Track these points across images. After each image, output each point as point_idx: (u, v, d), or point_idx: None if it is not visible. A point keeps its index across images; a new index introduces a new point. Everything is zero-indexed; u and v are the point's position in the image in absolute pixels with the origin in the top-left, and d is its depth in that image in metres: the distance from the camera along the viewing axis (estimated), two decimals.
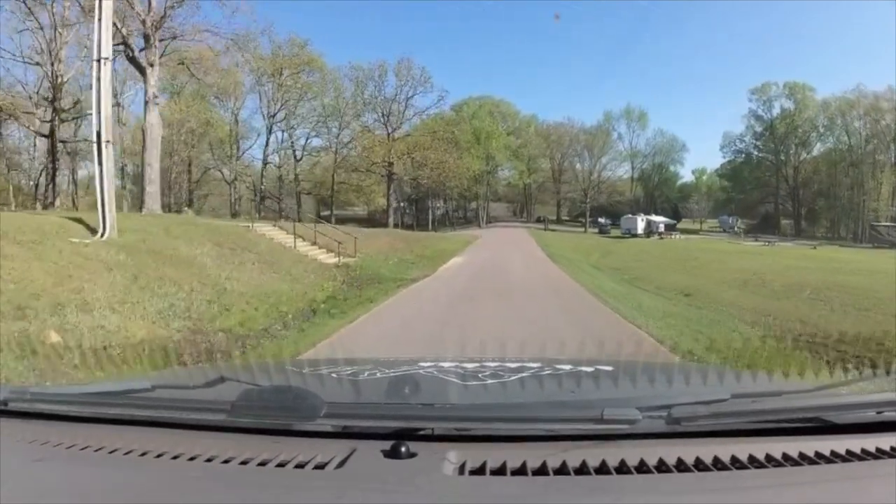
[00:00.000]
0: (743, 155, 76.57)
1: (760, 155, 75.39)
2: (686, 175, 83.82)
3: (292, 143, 44.93)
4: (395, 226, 70.13)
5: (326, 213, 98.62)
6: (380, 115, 41.97)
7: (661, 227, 56.29)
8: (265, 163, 38.74)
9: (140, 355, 5.50)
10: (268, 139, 38.33)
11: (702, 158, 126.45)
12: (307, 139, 45.79)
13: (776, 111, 71.42)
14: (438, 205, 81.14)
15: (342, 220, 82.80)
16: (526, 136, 74.05)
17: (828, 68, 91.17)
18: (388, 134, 40.02)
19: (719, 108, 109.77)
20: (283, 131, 42.86)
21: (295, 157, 47.06)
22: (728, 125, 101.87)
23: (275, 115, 37.61)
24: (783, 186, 72.97)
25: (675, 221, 61.06)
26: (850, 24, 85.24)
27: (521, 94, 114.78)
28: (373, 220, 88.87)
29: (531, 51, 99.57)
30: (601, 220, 70.90)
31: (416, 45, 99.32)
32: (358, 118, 39.03)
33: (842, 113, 66.40)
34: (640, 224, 53.36)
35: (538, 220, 78.93)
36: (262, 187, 39.62)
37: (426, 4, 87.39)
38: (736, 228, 71.58)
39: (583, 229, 64.95)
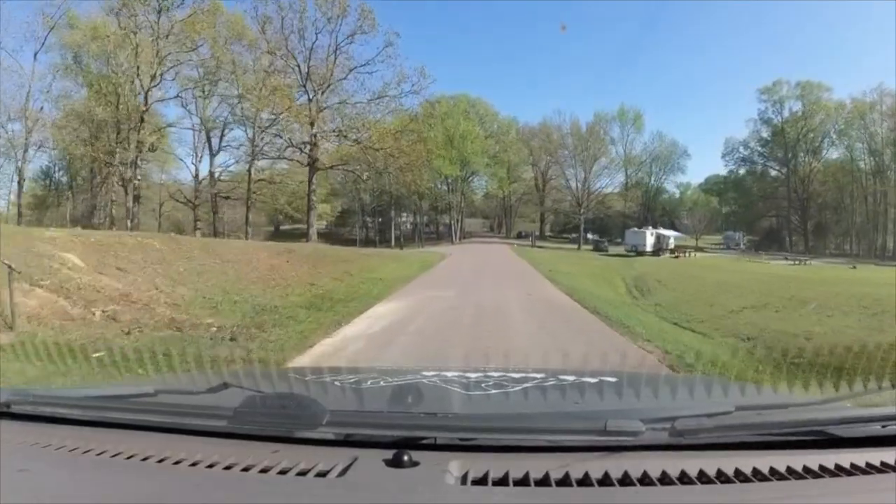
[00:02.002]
0: (747, 164, 66.52)
1: (767, 163, 65.51)
2: (671, 189, 73.70)
3: (206, 128, 32.08)
4: (354, 242, 57.73)
5: (287, 227, 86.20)
6: (297, 71, 26.48)
7: (672, 243, 45.03)
8: (139, 149, 25.76)
9: None
10: (143, 115, 25.38)
11: (703, 169, 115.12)
12: (224, 124, 32.96)
13: (787, 113, 61.48)
14: (406, 218, 68.99)
15: (298, 236, 70.35)
16: (506, 140, 62.70)
17: (842, 71, 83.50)
18: (310, 99, 25.30)
19: (722, 116, 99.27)
20: (183, 106, 29.88)
21: (210, 149, 34.17)
22: (732, 132, 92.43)
23: (155, 74, 24.68)
24: (791, 198, 63.15)
25: (683, 235, 49.71)
26: (865, 23, 77.16)
27: (510, 103, 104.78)
28: (330, 235, 76.15)
29: (522, 56, 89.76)
30: (591, 235, 60.08)
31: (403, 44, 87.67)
32: (271, 78, 24.80)
33: (861, 115, 56.76)
34: (650, 239, 41.78)
35: (518, 236, 67.46)
36: (137, 182, 26.62)
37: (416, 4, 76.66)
38: (742, 245, 61.32)
39: (575, 246, 53.29)
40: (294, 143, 23.04)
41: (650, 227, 44.00)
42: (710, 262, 36.17)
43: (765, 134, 64.26)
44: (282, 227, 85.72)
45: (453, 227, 57.12)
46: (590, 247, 50.57)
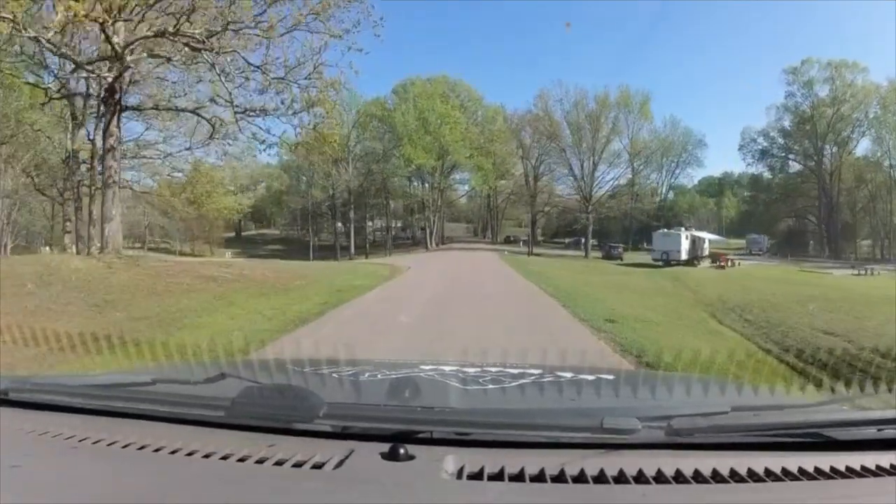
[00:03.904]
0: (766, 157, 55.86)
1: (789, 156, 55.08)
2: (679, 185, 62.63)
3: (59, 79, 20.09)
4: (327, 248, 45.83)
5: (252, 231, 73.36)
6: None
7: (706, 248, 33.91)
8: None
9: None
10: None
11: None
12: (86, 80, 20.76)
13: (814, 98, 51.02)
14: (379, 223, 57.23)
15: (262, 242, 57.85)
16: (492, 129, 51.36)
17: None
18: None
19: (722, 117, 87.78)
20: None
21: (73, 112, 22.32)
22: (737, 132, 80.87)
23: None
24: (817, 195, 52.95)
25: (720, 238, 38.32)
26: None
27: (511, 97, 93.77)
28: (290, 241, 63.89)
29: (523, 57, 79.09)
30: (583, 240, 49.33)
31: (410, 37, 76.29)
32: None
33: None
34: (685, 244, 30.51)
35: (507, 241, 56.03)
36: None
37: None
38: (765, 249, 50.75)
39: (577, 252, 42.09)
40: (78, 62, 11.02)
41: (682, 228, 32.65)
42: (777, 275, 25.25)
43: (787, 123, 53.80)
44: (243, 233, 73.59)
45: (428, 231, 45.41)
46: (598, 254, 39.26)
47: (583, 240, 53.09)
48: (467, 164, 48.47)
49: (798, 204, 54.90)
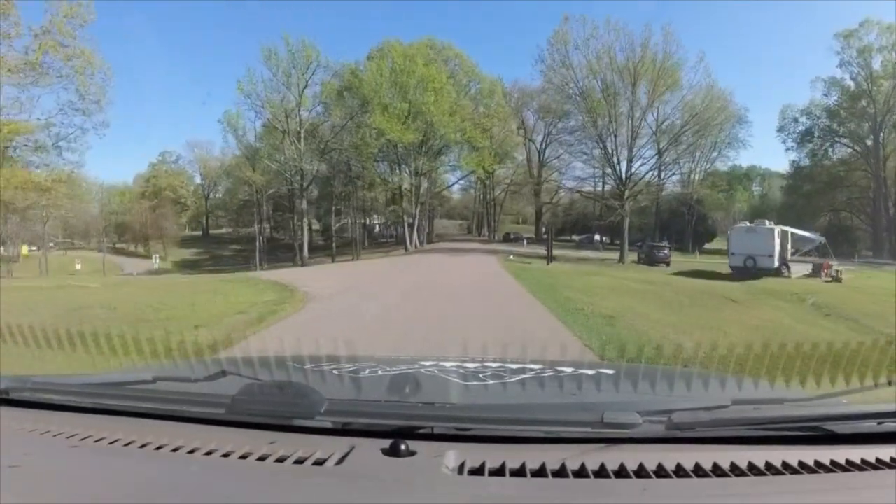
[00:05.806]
0: (808, 141, 45.98)
1: (839, 139, 45.19)
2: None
3: None
4: (287, 248, 35.37)
5: (221, 230, 62.30)
6: None
7: (790, 250, 23.75)
8: None
9: None
10: None
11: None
12: None
13: (870, 70, 41.15)
14: (352, 216, 47.01)
15: (227, 241, 48.54)
16: (489, 103, 41.12)
17: None
18: None
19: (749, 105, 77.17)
20: None
21: None
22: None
23: None
24: (868, 184, 43.34)
25: (814, 236, 27.78)
26: None
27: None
28: (240, 241, 53.07)
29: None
30: (598, 236, 39.58)
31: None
32: None
33: None
34: (776, 243, 20.28)
35: (507, 239, 45.93)
36: None
37: None
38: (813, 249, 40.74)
39: (605, 255, 31.83)
40: None
41: (767, 221, 22.20)
42: None
43: (833, 99, 43.85)
44: (193, 232, 63.60)
45: (408, 228, 35.00)
46: (637, 256, 28.98)
47: (596, 237, 43.30)
48: (459, 143, 38.06)
49: (841, 196, 45.32)
